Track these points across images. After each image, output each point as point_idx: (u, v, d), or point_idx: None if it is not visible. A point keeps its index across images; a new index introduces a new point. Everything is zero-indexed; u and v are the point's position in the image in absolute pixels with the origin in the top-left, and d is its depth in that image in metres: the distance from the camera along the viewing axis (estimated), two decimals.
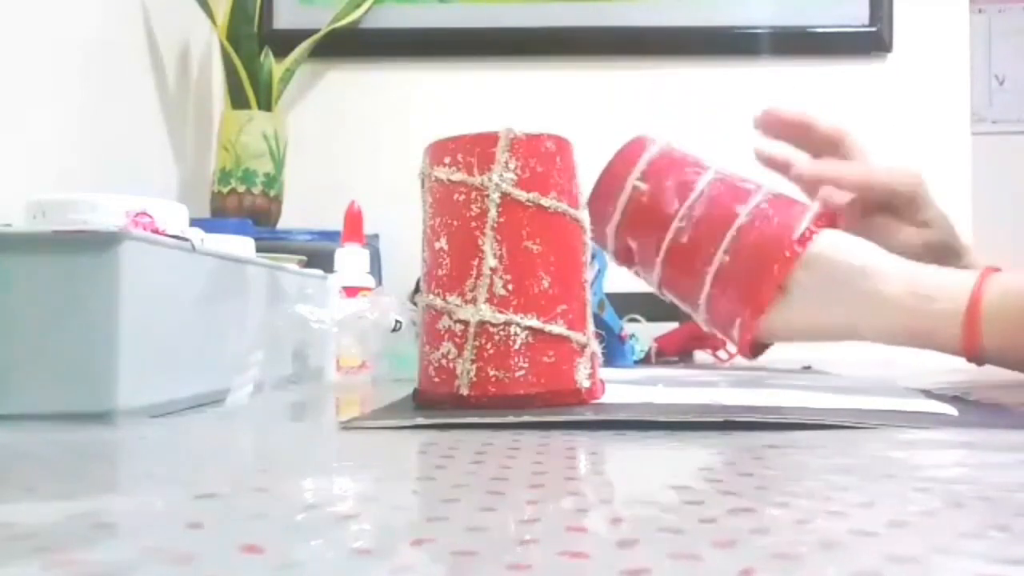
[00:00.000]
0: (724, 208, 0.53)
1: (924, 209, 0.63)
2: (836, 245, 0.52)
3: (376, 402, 0.50)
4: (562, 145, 0.47)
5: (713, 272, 0.53)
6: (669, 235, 0.53)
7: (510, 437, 0.36)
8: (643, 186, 0.54)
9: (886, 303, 0.51)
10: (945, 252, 0.62)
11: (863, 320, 0.52)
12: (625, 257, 0.57)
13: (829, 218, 0.54)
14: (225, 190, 1.26)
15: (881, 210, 0.63)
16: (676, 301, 0.58)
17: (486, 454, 0.32)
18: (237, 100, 1.27)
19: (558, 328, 0.45)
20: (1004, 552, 0.19)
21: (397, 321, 0.60)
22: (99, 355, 0.41)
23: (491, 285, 0.44)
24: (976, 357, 0.51)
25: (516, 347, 0.44)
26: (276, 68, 1.31)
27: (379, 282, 1.20)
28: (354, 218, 0.71)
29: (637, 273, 0.59)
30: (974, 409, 0.48)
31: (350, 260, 0.69)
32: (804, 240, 0.52)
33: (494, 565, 0.18)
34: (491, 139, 0.45)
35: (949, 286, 0.51)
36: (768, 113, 0.64)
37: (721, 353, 0.93)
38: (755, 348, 0.56)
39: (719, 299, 0.54)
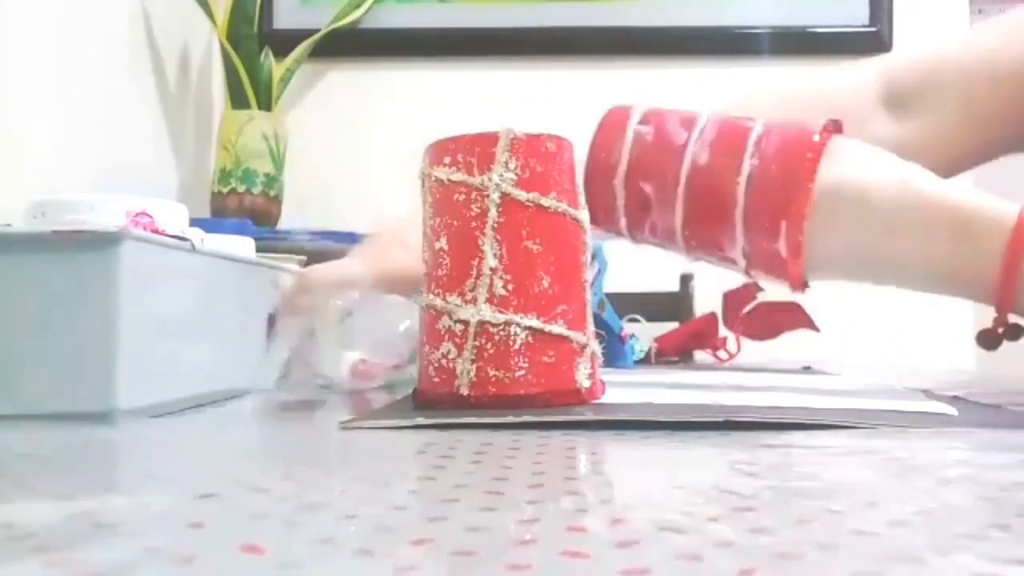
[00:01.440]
0: (736, 126, 0.51)
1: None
2: (862, 150, 0.50)
3: (376, 402, 0.50)
4: (562, 145, 0.47)
5: (744, 179, 0.49)
6: (687, 160, 0.50)
7: (510, 437, 0.36)
8: (646, 128, 0.52)
9: (926, 208, 0.48)
10: None
11: (900, 234, 0.49)
12: (639, 208, 0.53)
13: (838, 127, 0.52)
14: (225, 190, 1.26)
15: None
16: (701, 247, 0.53)
17: (486, 454, 0.32)
18: (237, 100, 1.27)
19: (558, 328, 0.45)
20: (1004, 552, 0.19)
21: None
22: (99, 355, 0.41)
23: (491, 285, 0.44)
24: (1013, 278, 0.47)
25: (516, 347, 0.44)
26: (276, 68, 1.31)
27: None
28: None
29: (653, 228, 0.54)
30: (974, 409, 0.48)
31: None
32: (828, 132, 0.49)
33: (494, 565, 0.18)
34: (491, 139, 0.45)
35: (990, 202, 0.48)
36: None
37: (721, 353, 0.93)
38: (804, 282, 0.52)
39: (757, 211, 0.49)
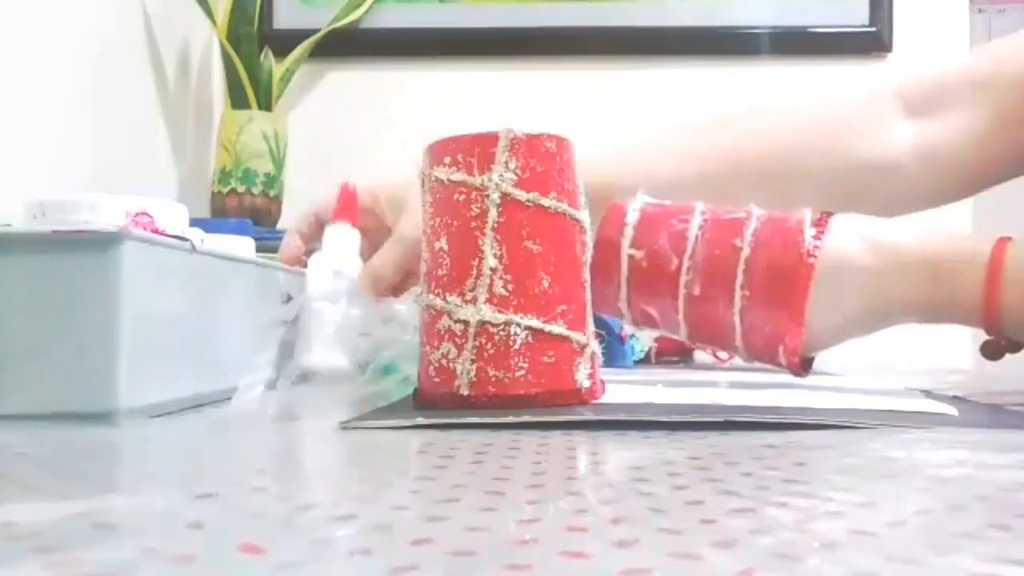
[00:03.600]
0: (724, 246, 0.53)
1: None
2: (844, 243, 0.52)
3: (376, 402, 0.50)
4: (562, 145, 0.47)
5: (738, 312, 0.52)
6: (681, 291, 0.53)
7: (510, 437, 0.36)
8: (638, 253, 0.54)
9: (907, 278, 0.51)
10: None
11: (889, 299, 0.52)
12: (646, 321, 0.57)
13: (826, 219, 0.53)
14: (225, 190, 1.26)
15: None
16: (711, 349, 0.58)
17: (486, 454, 0.32)
18: (237, 100, 1.27)
19: (558, 328, 0.45)
20: (1004, 552, 0.19)
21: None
22: (99, 355, 0.41)
23: (491, 285, 0.44)
24: (994, 315, 0.50)
25: (516, 347, 0.44)
26: (276, 68, 1.31)
27: None
28: (348, 197, 0.70)
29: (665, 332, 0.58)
30: (974, 409, 0.48)
31: (339, 237, 0.66)
32: (813, 252, 0.51)
33: (494, 565, 0.18)
34: (491, 139, 0.45)
35: (966, 250, 0.51)
36: None
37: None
38: (805, 363, 0.55)
39: (754, 334, 0.53)
